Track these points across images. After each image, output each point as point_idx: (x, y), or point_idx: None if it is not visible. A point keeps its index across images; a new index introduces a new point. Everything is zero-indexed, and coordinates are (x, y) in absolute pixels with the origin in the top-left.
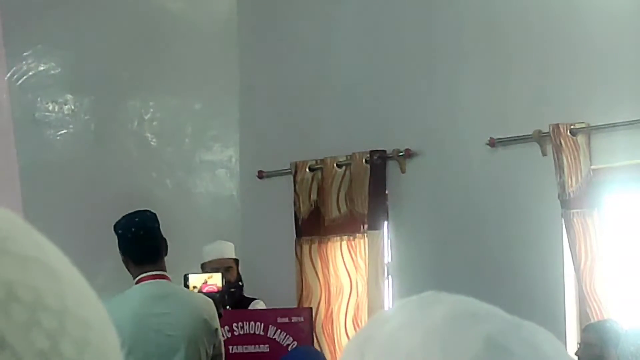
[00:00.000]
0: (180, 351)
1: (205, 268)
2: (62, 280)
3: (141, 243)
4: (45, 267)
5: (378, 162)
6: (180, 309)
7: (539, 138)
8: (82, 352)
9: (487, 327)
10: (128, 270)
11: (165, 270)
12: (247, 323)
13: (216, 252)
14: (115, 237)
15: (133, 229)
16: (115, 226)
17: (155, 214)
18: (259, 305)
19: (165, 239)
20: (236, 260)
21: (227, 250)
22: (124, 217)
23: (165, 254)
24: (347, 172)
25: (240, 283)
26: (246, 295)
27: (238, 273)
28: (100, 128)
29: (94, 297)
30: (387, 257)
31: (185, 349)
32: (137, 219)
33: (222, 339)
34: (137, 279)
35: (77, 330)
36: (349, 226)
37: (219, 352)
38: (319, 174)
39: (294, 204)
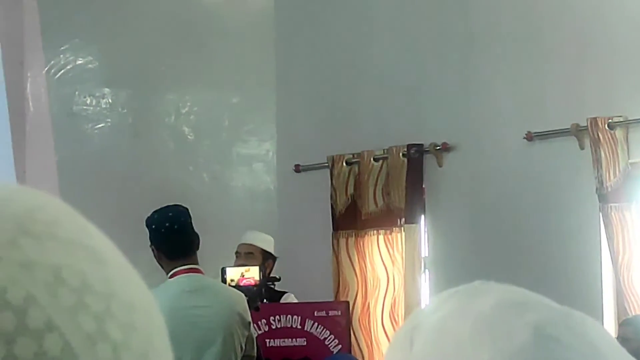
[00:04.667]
0: (217, 343)
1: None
2: (108, 264)
3: (175, 237)
4: (92, 252)
5: (415, 155)
6: (216, 302)
7: (577, 132)
8: (128, 335)
9: (536, 316)
10: (160, 264)
11: (198, 264)
12: (285, 316)
13: (245, 237)
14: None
15: (167, 224)
16: (147, 221)
17: (187, 209)
18: (290, 298)
19: (197, 234)
20: (266, 253)
21: (254, 238)
22: (156, 211)
23: (197, 249)
24: (384, 166)
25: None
26: (277, 289)
27: (264, 267)
28: (138, 121)
29: (140, 281)
30: (424, 251)
31: (221, 341)
32: (170, 214)
33: (255, 334)
34: (171, 273)
35: (123, 313)
36: (385, 220)
37: (251, 345)
38: (355, 167)
39: (331, 198)
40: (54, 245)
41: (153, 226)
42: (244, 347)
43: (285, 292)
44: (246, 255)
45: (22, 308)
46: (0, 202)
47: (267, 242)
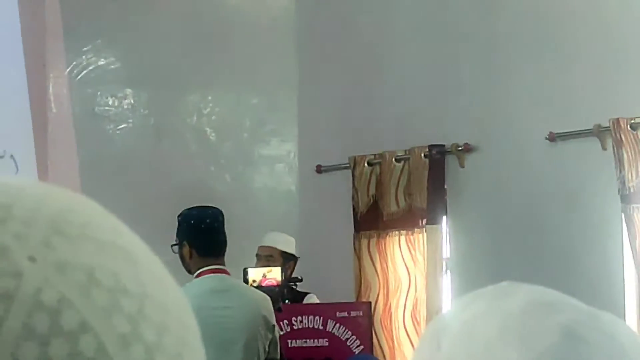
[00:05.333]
0: (239, 345)
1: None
2: (141, 265)
3: (211, 235)
4: (125, 252)
5: (437, 156)
6: (240, 304)
7: (599, 132)
8: (162, 336)
9: (563, 317)
10: (185, 263)
11: (224, 265)
12: (306, 317)
13: (265, 240)
14: (173, 230)
15: (208, 220)
16: (184, 216)
17: (221, 211)
18: (312, 299)
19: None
20: (286, 255)
21: (273, 240)
22: (193, 208)
23: (225, 251)
24: (406, 167)
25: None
26: (299, 290)
27: (285, 268)
28: (160, 122)
29: (172, 282)
30: (446, 252)
31: (244, 343)
32: (210, 212)
33: (279, 335)
34: (199, 272)
35: (157, 314)
36: (407, 221)
37: (275, 348)
38: (377, 168)
39: (353, 199)
40: (87, 246)
41: (192, 221)
42: (267, 349)
43: (307, 293)
44: (266, 257)
45: (56, 309)
46: (33, 203)
47: (287, 244)
